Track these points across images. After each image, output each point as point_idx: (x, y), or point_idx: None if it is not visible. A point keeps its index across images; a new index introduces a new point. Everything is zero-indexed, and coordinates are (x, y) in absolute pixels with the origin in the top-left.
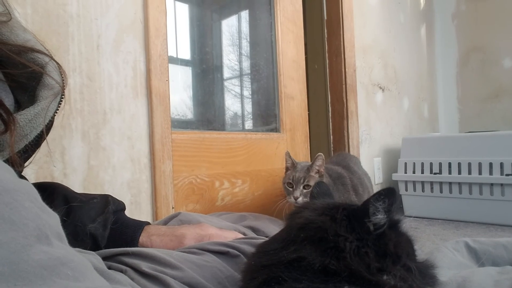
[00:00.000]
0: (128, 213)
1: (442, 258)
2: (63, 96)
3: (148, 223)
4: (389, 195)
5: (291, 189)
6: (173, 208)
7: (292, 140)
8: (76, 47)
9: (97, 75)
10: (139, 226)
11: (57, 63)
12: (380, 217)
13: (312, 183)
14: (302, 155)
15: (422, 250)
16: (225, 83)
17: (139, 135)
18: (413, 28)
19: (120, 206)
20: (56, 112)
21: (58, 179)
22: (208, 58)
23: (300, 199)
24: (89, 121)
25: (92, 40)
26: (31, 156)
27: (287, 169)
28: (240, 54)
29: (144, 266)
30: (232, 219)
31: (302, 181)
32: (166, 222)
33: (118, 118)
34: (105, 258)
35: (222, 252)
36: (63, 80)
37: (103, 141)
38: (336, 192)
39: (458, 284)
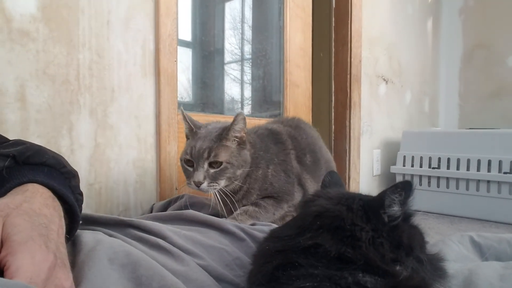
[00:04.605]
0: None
1: (447, 251)
2: None
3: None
4: (406, 188)
5: (190, 168)
6: (176, 189)
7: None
8: (86, 22)
9: (106, 51)
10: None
11: None
12: (395, 209)
13: (223, 157)
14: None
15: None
16: (227, 67)
17: (146, 114)
18: (420, 21)
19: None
20: None
21: (65, 154)
22: (209, 40)
23: (204, 185)
24: (97, 98)
25: (103, 15)
26: None
27: (187, 137)
28: (242, 39)
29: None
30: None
31: (206, 155)
32: (170, 203)
33: (126, 97)
34: (107, 225)
35: (229, 232)
36: None
37: (110, 118)
38: (263, 160)
39: (464, 276)
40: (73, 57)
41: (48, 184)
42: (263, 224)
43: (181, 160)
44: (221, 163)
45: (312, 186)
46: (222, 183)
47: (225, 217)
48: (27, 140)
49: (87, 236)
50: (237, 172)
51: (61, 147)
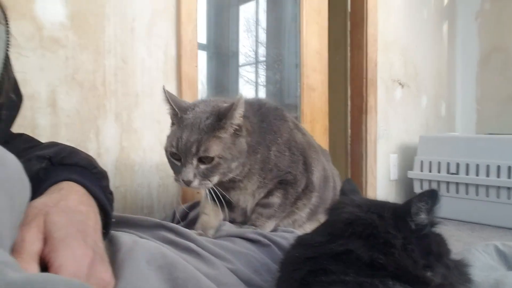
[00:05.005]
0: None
1: (473, 260)
2: (8, 35)
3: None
4: (432, 197)
5: (177, 163)
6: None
7: (312, 132)
8: (112, 29)
9: (130, 57)
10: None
11: None
12: (422, 217)
13: (215, 151)
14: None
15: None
16: (241, 70)
17: (168, 119)
18: (436, 24)
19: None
20: (8, 49)
21: None
22: (224, 43)
23: (195, 184)
24: (122, 103)
25: (127, 22)
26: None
27: (172, 122)
28: (257, 41)
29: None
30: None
31: (194, 149)
32: (193, 206)
33: (149, 102)
34: (138, 226)
35: (253, 240)
36: (2, 10)
37: (135, 123)
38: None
39: (490, 285)
40: (99, 64)
41: (81, 183)
42: (284, 230)
43: (166, 151)
44: (212, 158)
45: (318, 171)
46: (215, 179)
47: (225, 213)
48: None
49: (124, 237)
50: (231, 165)
51: (88, 150)
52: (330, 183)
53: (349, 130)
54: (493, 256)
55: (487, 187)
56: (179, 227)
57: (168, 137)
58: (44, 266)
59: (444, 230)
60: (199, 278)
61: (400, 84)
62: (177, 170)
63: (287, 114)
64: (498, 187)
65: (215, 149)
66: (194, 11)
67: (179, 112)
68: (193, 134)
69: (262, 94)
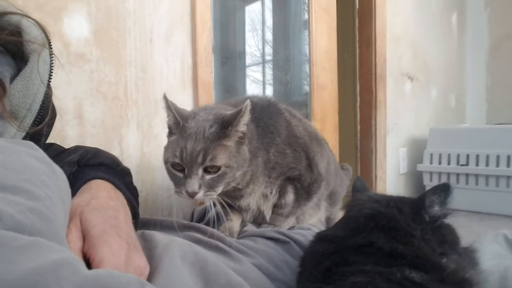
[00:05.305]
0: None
1: (483, 250)
2: (52, 58)
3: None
4: (445, 190)
5: (180, 174)
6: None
7: (322, 130)
8: (132, 41)
9: (150, 67)
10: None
11: (33, 19)
12: (436, 209)
13: (222, 160)
14: (330, 146)
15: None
16: (248, 70)
17: None
18: (444, 16)
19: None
20: (51, 75)
21: None
22: (231, 44)
23: (200, 195)
24: (143, 111)
25: (146, 34)
26: (44, 123)
27: (170, 131)
28: (263, 41)
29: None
30: None
31: (201, 159)
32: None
33: None
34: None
35: (273, 238)
36: (45, 34)
37: (155, 130)
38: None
39: (500, 273)
40: (121, 75)
41: (108, 179)
42: (301, 227)
43: (166, 163)
44: (219, 167)
45: (322, 162)
46: (220, 189)
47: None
48: None
49: (160, 235)
50: (236, 174)
51: None
52: (332, 169)
53: (359, 126)
54: (502, 245)
55: (497, 177)
56: (206, 227)
57: (168, 147)
58: (86, 261)
59: (454, 220)
60: (228, 273)
61: (409, 77)
62: (179, 182)
63: (281, 105)
64: (508, 177)
65: (221, 158)
66: (209, 20)
67: (181, 121)
68: (199, 143)
69: (269, 93)
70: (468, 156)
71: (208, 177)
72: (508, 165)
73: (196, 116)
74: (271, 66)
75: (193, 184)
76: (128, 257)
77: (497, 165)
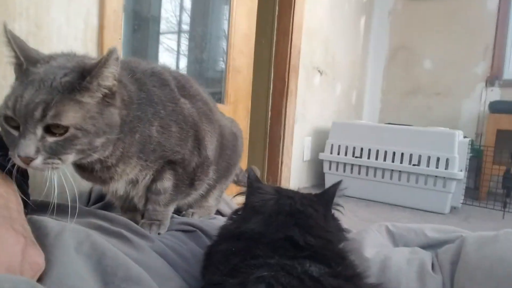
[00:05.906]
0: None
1: (368, 238)
2: None
3: None
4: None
5: (14, 132)
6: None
7: (234, 113)
8: None
9: (45, 23)
10: None
11: None
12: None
13: (71, 119)
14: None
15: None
16: (162, 37)
17: None
18: (355, 18)
19: None
20: None
21: None
22: (144, 7)
23: (38, 162)
24: None
25: None
26: None
27: (16, 77)
28: (182, 8)
29: None
30: None
31: (39, 114)
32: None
33: None
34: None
35: (179, 229)
36: None
37: None
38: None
39: (380, 260)
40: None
41: None
42: (211, 217)
43: None
44: (66, 128)
45: (212, 143)
46: (68, 158)
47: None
48: None
49: (51, 221)
50: (95, 142)
51: None
52: (227, 151)
53: (270, 113)
54: (384, 235)
55: (383, 170)
56: (109, 214)
57: (5, 97)
58: None
59: (346, 206)
60: (128, 265)
61: (319, 71)
62: (12, 142)
63: (167, 75)
64: (392, 171)
65: (71, 116)
66: None
67: (24, 63)
68: (40, 93)
69: (183, 64)
70: (362, 149)
71: (51, 139)
72: (393, 160)
73: (51, 61)
74: (187, 37)
75: (27, 146)
76: (25, 252)
77: (385, 159)
